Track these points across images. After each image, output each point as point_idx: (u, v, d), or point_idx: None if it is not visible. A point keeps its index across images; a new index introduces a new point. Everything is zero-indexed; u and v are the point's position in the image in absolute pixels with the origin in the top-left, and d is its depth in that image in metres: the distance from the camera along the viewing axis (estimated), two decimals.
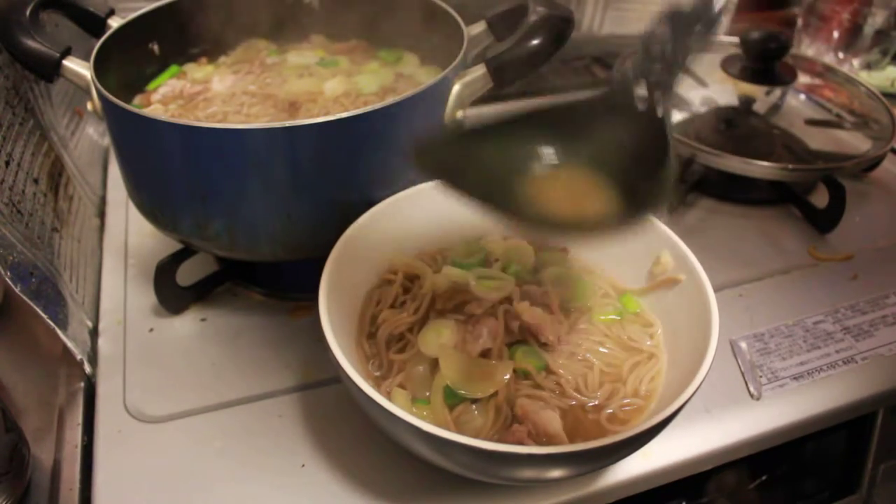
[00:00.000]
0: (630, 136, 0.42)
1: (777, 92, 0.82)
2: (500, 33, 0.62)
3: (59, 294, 0.54)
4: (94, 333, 0.59)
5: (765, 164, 0.70)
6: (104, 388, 0.55)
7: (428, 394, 0.46)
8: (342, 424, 0.52)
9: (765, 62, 0.78)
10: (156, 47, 0.65)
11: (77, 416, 0.53)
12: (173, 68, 0.67)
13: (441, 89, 0.53)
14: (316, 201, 0.52)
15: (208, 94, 0.64)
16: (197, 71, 0.67)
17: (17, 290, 0.49)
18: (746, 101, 0.82)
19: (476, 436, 0.41)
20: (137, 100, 0.64)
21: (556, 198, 0.40)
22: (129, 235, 0.70)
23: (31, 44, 0.54)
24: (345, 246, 0.50)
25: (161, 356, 0.58)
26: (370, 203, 0.53)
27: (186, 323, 0.61)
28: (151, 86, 0.65)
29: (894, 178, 0.81)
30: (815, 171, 0.72)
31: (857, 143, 0.78)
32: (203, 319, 0.61)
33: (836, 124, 0.82)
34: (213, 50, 0.70)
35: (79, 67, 0.54)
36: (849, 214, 0.70)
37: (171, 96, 0.64)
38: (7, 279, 0.49)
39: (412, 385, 0.47)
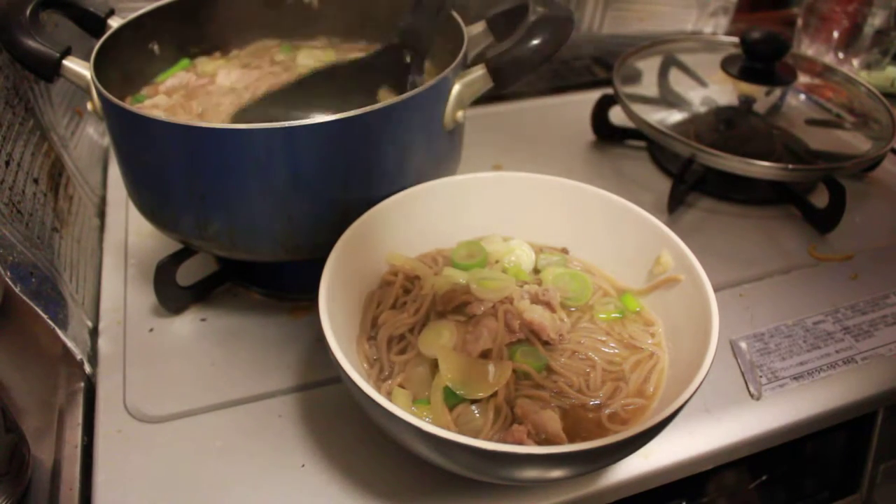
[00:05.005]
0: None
1: (777, 92, 0.82)
2: (500, 33, 0.62)
3: (59, 294, 0.54)
4: (94, 333, 0.59)
5: (765, 164, 0.70)
6: (104, 388, 0.55)
7: (428, 394, 0.46)
8: (342, 424, 0.52)
9: (765, 62, 0.78)
10: (156, 47, 0.65)
11: (77, 416, 0.53)
12: (184, 61, 0.67)
13: (441, 89, 0.53)
14: (316, 201, 0.52)
15: (211, 87, 0.64)
16: (207, 64, 0.68)
17: (17, 290, 0.49)
18: (746, 101, 0.82)
19: (476, 436, 0.41)
20: (145, 90, 0.64)
21: None
22: (129, 235, 0.70)
23: (31, 44, 0.54)
24: (345, 246, 0.50)
25: (161, 356, 0.58)
26: (370, 203, 0.53)
27: (186, 323, 0.61)
28: (160, 78, 0.65)
29: (894, 178, 0.81)
30: (815, 171, 0.72)
31: (857, 143, 0.78)
32: (203, 319, 0.61)
33: (836, 124, 0.82)
34: (222, 47, 0.70)
35: (79, 67, 0.54)
36: (849, 214, 0.70)
37: (177, 88, 0.64)
38: (7, 279, 0.49)
39: (412, 385, 0.47)
